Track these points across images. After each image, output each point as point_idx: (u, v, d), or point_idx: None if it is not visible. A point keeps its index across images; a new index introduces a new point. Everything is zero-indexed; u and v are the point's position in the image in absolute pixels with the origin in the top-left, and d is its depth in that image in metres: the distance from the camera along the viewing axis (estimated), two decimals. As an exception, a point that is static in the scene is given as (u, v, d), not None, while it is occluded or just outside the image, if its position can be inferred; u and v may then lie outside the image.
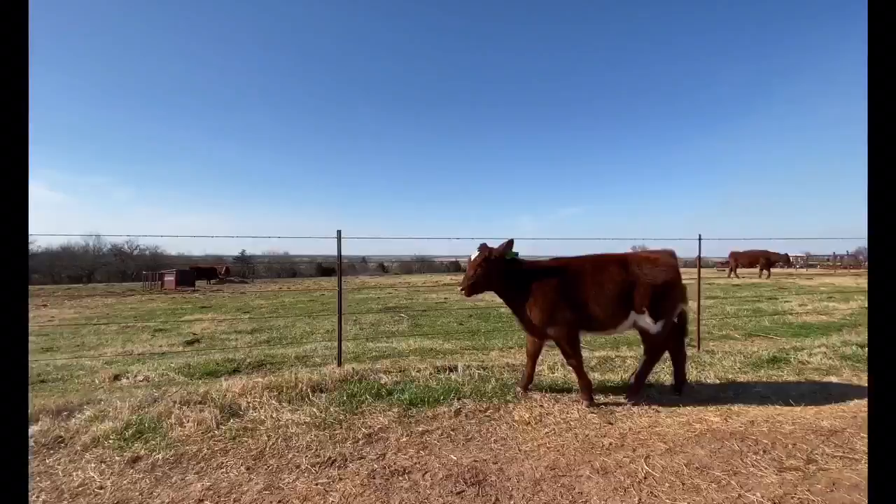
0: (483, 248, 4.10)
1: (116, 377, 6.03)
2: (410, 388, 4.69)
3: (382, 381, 4.87)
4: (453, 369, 5.36)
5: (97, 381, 5.88)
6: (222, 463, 3.27)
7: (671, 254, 4.29)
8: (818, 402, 4.36)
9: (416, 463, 3.26)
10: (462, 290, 4.05)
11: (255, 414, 4.08)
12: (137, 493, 2.88)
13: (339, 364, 5.58)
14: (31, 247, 58.01)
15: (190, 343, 9.42)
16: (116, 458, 3.33)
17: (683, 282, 4.34)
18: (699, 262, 7.27)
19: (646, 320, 4.05)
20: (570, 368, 4.27)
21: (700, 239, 6.84)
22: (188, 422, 3.82)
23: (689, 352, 5.81)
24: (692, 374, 5.23)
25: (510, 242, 4.09)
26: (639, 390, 4.27)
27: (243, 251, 75.31)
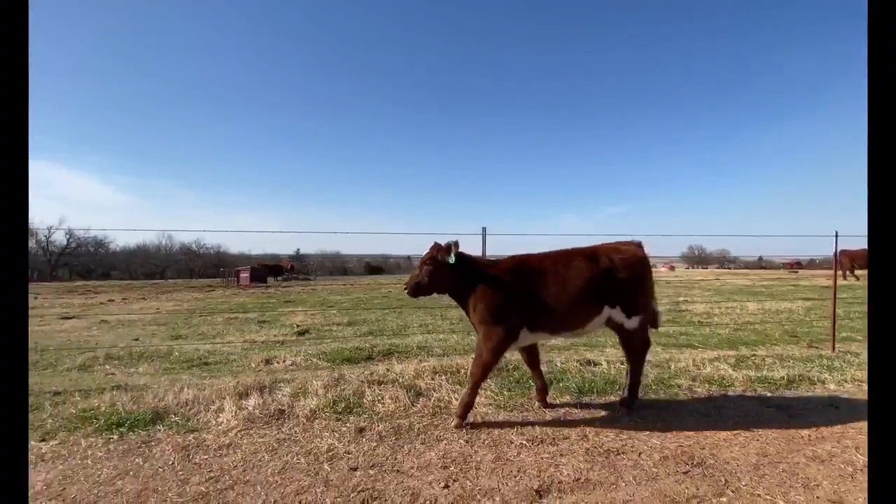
0: (434, 246, 3.81)
1: (267, 361, 6.59)
2: (568, 378, 4.87)
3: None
4: (595, 363, 5.50)
5: (253, 364, 6.44)
6: (440, 436, 3.57)
7: (639, 244, 3.99)
8: None
9: (624, 444, 3.42)
10: (406, 289, 3.85)
11: (437, 394, 4.39)
12: (383, 458, 3.22)
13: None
14: (111, 246, 63.06)
15: (301, 333, 10.04)
16: (343, 428, 3.71)
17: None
18: (836, 261, 6.98)
19: (619, 315, 3.76)
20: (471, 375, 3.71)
21: (837, 236, 6.57)
22: (387, 399, 4.17)
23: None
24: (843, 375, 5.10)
25: (450, 245, 3.74)
26: (633, 400, 3.96)
27: (297, 250, 78.73)
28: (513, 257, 3.97)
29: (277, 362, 6.56)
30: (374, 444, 3.44)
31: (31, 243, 54.41)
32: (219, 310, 15.83)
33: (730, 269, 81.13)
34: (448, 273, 3.76)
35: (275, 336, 9.76)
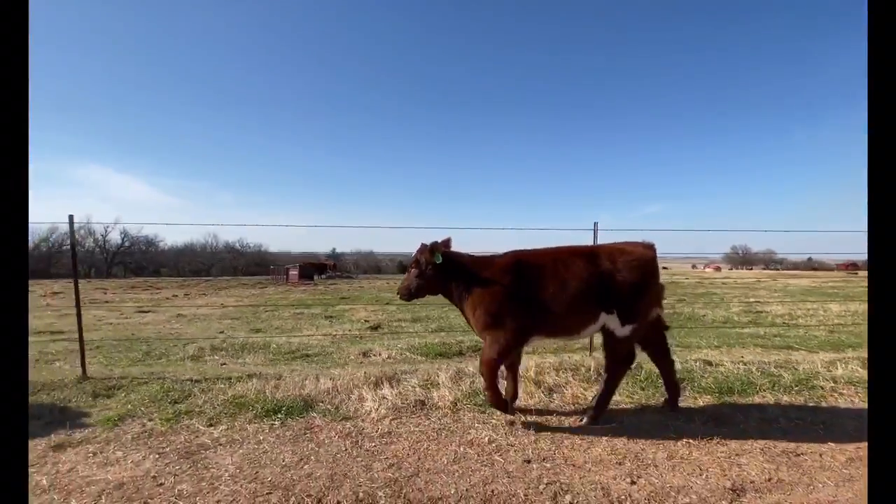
0: (421, 247, 3.61)
1: (364, 354, 6.69)
2: (699, 378, 4.71)
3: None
4: (715, 363, 5.30)
5: (352, 357, 6.56)
6: (594, 430, 3.51)
7: (649, 246, 3.62)
8: None
9: (798, 445, 3.27)
10: (398, 294, 3.67)
11: (570, 390, 4.32)
12: (549, 452, 3.18)
13: (591, 353, 5.73)
14: (160, 245, 66.16)
15: (374, 328, 10.18)
16: (492, 420, 3.70)
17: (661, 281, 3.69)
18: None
19: (614, 322, 3.44)
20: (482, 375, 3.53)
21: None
22: (521, 394, 4.14)
23: None
24: None
25: (436, 245, 3.55)
26: (601, 413, 3.60)
27: (333, 249, 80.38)
28: (508, 254, 3.69)
29: (374, 355, 6.66)
30: (532, 437, 3.41)
31: (90, 242, 57.78)
32: (280, 305, 16.31)
33: (777, 269, 77.34)
34: (439, 274, 3.56)
35: (349, 331, 9.94)
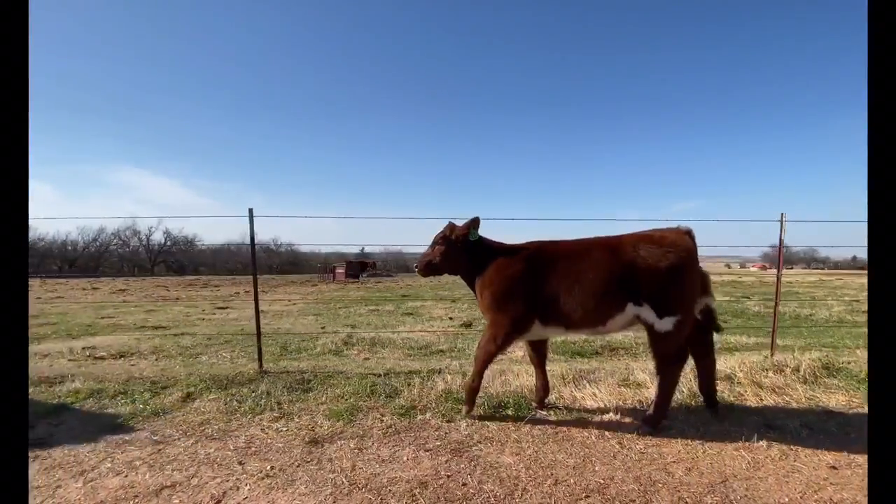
0: (448, 226, 3.68)
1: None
2: None
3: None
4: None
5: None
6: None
7: (685, 232, 3.33)
8: None
9: None
10: (417, 268, 3.70)
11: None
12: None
13: (772, 353, 5.38)
14: (199, 244, 67.99)
15: (466, 326, 10.01)
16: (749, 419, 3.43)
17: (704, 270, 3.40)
18: None
19: (648, 314, 3.17)
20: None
21: None
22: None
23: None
24: None
25: (475, 221, 3.61)
26: (660, 419, 3.31)
27: (362, 248, 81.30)
28: (531, 242, 3.59)
29: (510, 353, 6.45)
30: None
31: (135, 241, 59.89)
32: (348, 302, 16.38)
33: (821, 269, 74.32)
34: (461, 253, 3.59)
35: (445, 328, 9.80)
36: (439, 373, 4.58)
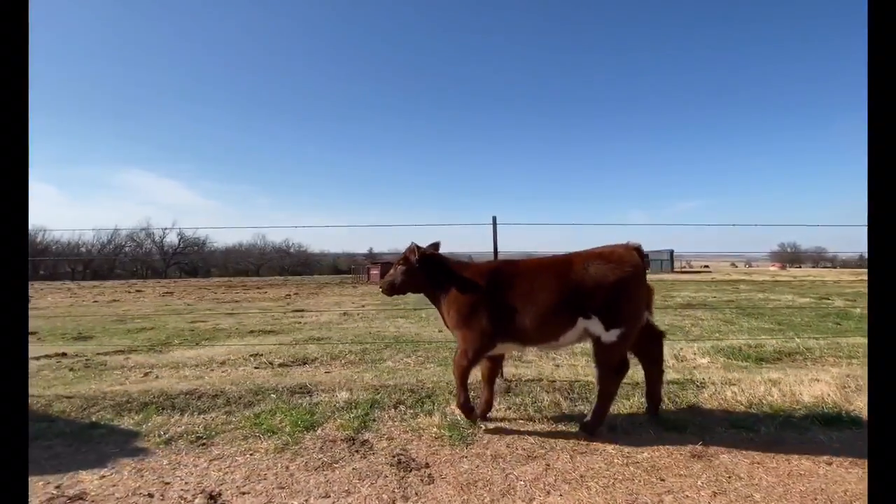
0: (411, 246, 3.81)
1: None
2: None
3: None
4: None
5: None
6: None
7: (632, 248, 3.51)
8: None
9: None
10: (380, 287, 3.84)
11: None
12: None
13: None
14: (208, 246, 67.62)
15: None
16: None
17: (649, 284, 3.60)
18: None
19: (596, 327, 3.33)
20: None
21: None
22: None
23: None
24: None
25: (436, 245, 3.88)
26: (597, 425, 3.43)
27: (370, 249, 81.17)
28: (487, 262, 4.00)
29: (686, 359, 6.42)
30: None
31: (148, 243, 59.50)
32: (414, 303, 16.34)
33: (828, 268, 74.82)
34: (422, 273, 3.76)
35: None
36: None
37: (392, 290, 3.89)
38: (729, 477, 2.78)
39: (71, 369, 5.91)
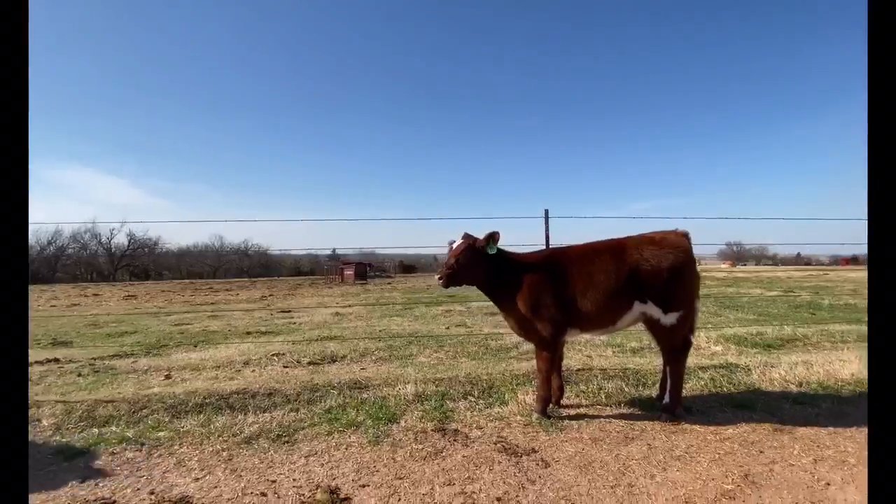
0: (466, 236, 3.72)
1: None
2: None
3: None
4: None
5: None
6: None
7: (682, 234, 3.64)
8: None
9: None
10: (439, 279, 3.66)
11: None
12: None
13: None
14: (164, 247, 63.80)
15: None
16: None
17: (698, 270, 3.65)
18: None
19: (653, 310, 3.46)
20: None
21: None
22: None
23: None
24: None
25: (495, 234, 3.65)
26: (676, 406, 3.55)
27: (334, 250, 79.42)
28: (540, 251, 3.93)
29: (701, 347, 6.71)
30: None
31: (94, 244, 55.27)
32: (398, 302, 16.17)
33: (769, 265, 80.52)
34: (482, 264, 3.65)
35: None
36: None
37: (451, 280, 3.66)
38: (818, 446, 2.99)
39: (79, 374, 5.45)
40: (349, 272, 29.74)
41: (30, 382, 4.97)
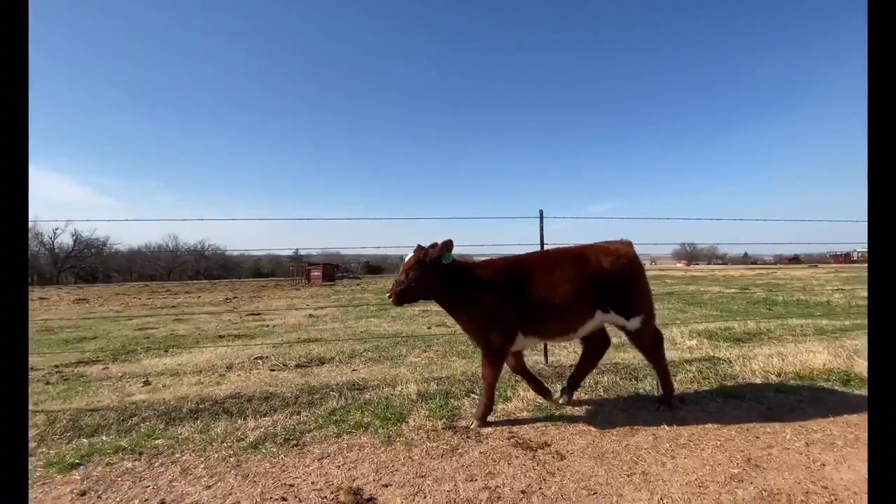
0: (418, 249, 3.49)
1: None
2: None
3: None
4: None
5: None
6: None
7: (628, 244, 3.74)
8: None
9: None
10: (389, 296, 3.43)
11: None
12: None
13: None
14: (113, 248, 60.10)
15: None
16: None
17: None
18: None
19: (616, 318, 3.53)
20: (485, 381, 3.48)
21: None
22: None
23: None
24: None
25: (448, 243, 3.43)
26: (671, 395, 3.69)
27: (296, 251, 77.50)
28: (499, 259, 3.76)
29: (677, 341, 7.03)
30: None
31: (33, 245, 51.21)
32: (372, 304, 15.97)
33: (719, 264, 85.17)
34: (436, 277, 3.41)
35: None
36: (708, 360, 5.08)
37: (403, 297, 3.40)
38: (806, 430, 3.22)
39: (47, 383, 5.07)
40: (316, 273, 29.10)
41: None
